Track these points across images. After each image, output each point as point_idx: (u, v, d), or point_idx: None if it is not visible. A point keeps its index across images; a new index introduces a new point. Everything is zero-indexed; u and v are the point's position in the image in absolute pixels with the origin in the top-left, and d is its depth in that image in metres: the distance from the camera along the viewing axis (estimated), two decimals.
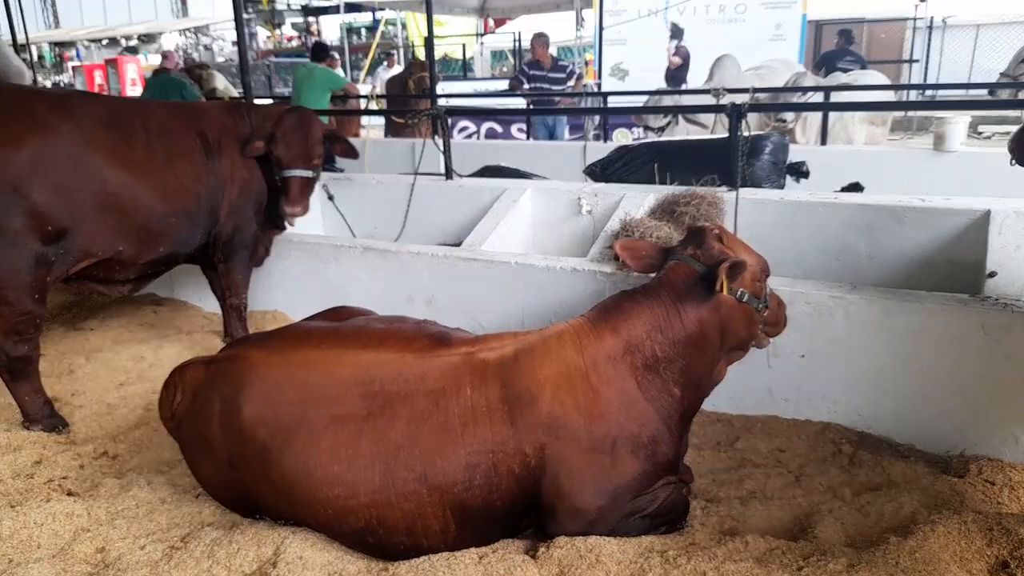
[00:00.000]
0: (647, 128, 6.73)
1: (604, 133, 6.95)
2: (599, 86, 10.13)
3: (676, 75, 11.18)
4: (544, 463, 2.28)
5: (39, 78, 19.42)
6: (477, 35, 23.22)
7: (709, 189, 3.70)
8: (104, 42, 29.61)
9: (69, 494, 2.72)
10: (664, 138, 6.40)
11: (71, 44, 30.37)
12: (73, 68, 25.82)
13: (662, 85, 11.21)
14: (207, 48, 33.87)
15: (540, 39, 8.53)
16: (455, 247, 3.97)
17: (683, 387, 2.45)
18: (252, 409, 2.36)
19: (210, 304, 4.67)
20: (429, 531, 2.27)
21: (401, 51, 29.67)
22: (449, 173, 4.71)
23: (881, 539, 2.22)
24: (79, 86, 21.52)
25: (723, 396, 3.10)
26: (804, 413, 3.14)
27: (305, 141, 3.70)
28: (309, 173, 3.73)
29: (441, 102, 7.53)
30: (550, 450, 2.28)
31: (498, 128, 10.46)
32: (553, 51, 9.19)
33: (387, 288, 4.04)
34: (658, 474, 2.39)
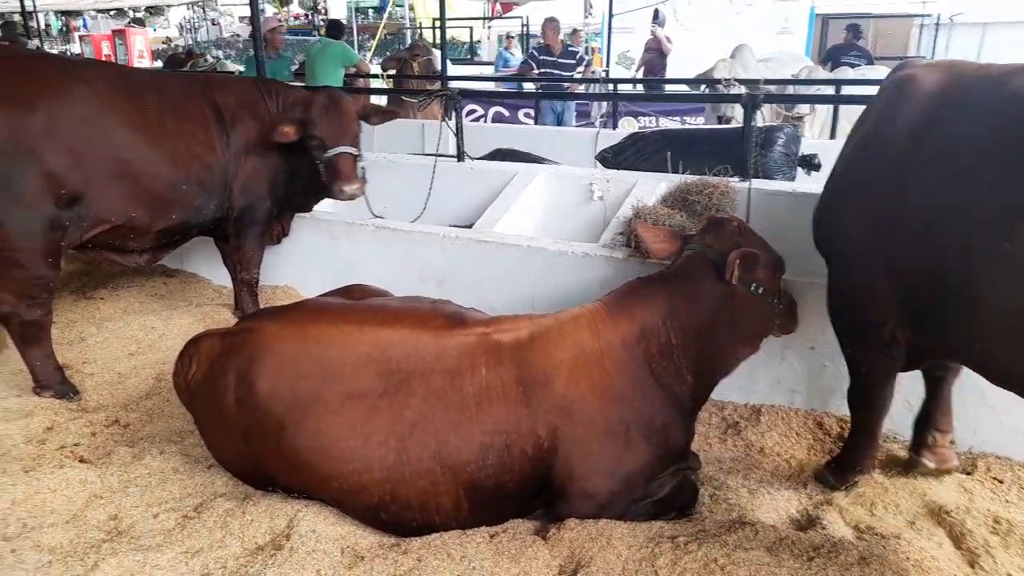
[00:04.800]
0: (721, 118, 6.50)
1: (613, 120, 6.93)
2: (607, 73, 10.08)
3: (653, 64, 11.09)
4: (557, 445, 2.30)
5: (46, 47, 19.28)
6: (485, 19, 23.05)
7: (722, 179, 3.69)
8: (112, 13, 29.37)
9: (81, 461, 2.75)
10: (675, 126, 6.38)
11: (78, 14, 30.12)
12: (80, 38, 25.61)
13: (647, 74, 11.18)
14: (214, 23, 33.61)
15: (551, 24, 8.47)
16: (467, 228, 3.97)
17: (695, 375, 2.46)
18: (267, 382, 2.37)
19: (220, 277, 4.68)
20: (441, 509, 2.30)
21: (408, 32, 29.50)
22: (461, 155, 4.70)
23: (891, 533, 2.24)
24: (87, 56, 21.38)
25: (731, 385, 3.11)
26: (812, 404, 3.16)
27: (343, 118, 3.66)
28: (353, 149, 3.70)
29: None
30: (563, 432, 2.30)
31: (505, 112, 10.42)
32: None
33: (398, 267, 4.04)
34: (669, 460, 2.42)
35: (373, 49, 22.97)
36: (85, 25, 30.57)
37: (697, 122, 8.29)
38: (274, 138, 3.56)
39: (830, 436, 3.04)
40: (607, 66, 9.98)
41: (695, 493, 2.57)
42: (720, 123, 6.25)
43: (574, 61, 8.49)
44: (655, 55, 10.75)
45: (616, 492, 2.33)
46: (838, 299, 2.57)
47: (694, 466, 2.68)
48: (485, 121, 10.30)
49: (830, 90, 6.98)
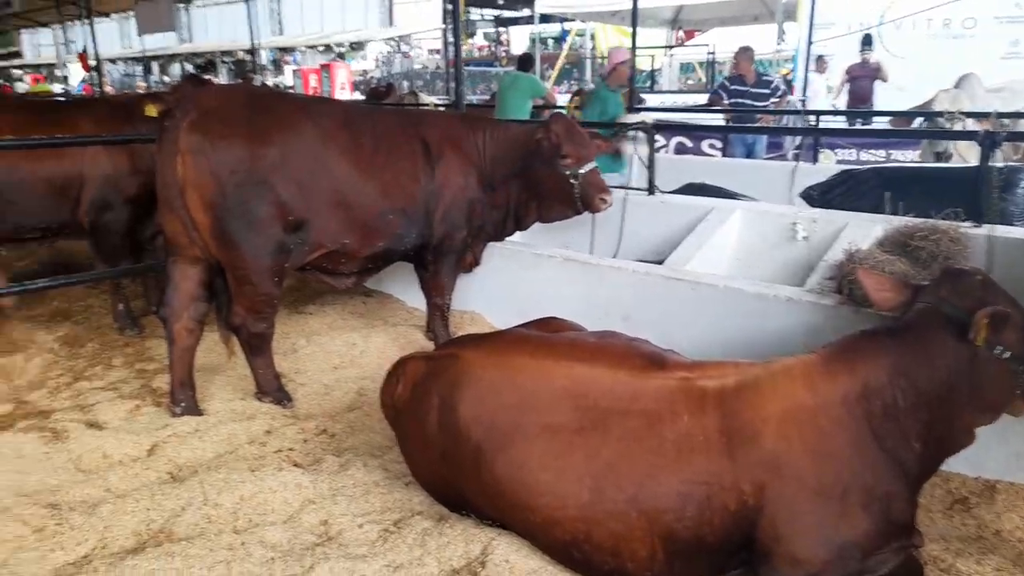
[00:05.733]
0: (940, 155, 5.92)
1: (814, 154, 6.53)
2: (803, 103, 9.55)
3: (862, 92, 10.27)
4: (763, 503, 2.16)
5: (262, 79, 21.72)
6: (667, 47, 22.83)
7: (951, 223, 3.35)
8: (320, 48, 32.50)
9: (296, 465, 2.98)
10: (894, 164, 5.89)
11: (292, 49, 33.63)
12: (292, 72, 28.58)
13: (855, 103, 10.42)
14: (405, 56, 36.16)
15: (745, 53, 8.19)
16: (657, 264, 3.90)
17: (924, 442, 2.22)
18: (468, 409, 2.45)
19: (413, 299, 4.94)
20: (635, 556, 2.23)
21: (588, 62, 29.95)
22: (652, 188, 4.64)
23: None
24: (298, 88, 23.81)
25: (959, 454, 2.77)
26: None
27: (582, 135, 3.93)
28: (595, 163, 3.94)
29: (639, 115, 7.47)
30: (771, 490, 2.16)
31: (688, 143, 10.19)
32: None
33: (585, 300, 4.05)
34: (891, 534, 2.19)
35: (553, 79, 23.57)
36: (295, 59, 34.06)
37: (907, 158, 7.63)
38: (559, 169, 3.85)
39: None
40: (803, 95, 9.48)
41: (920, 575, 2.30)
42: (939, 160, 5.70)
43: (768, 91, 8.15)
44: (866, 83, 10.05)
45: (828, 562, 2.14)
46: None
47: (917, 543, 2.41)
48: (666, 151, 10.15)
49: None
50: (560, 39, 34.52)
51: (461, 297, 4.73)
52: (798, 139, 8.22)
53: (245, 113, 3.31)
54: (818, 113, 6.82)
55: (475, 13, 36.03)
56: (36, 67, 39.27)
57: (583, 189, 3.87)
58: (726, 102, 8.28)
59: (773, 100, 8.19)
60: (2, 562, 2.36)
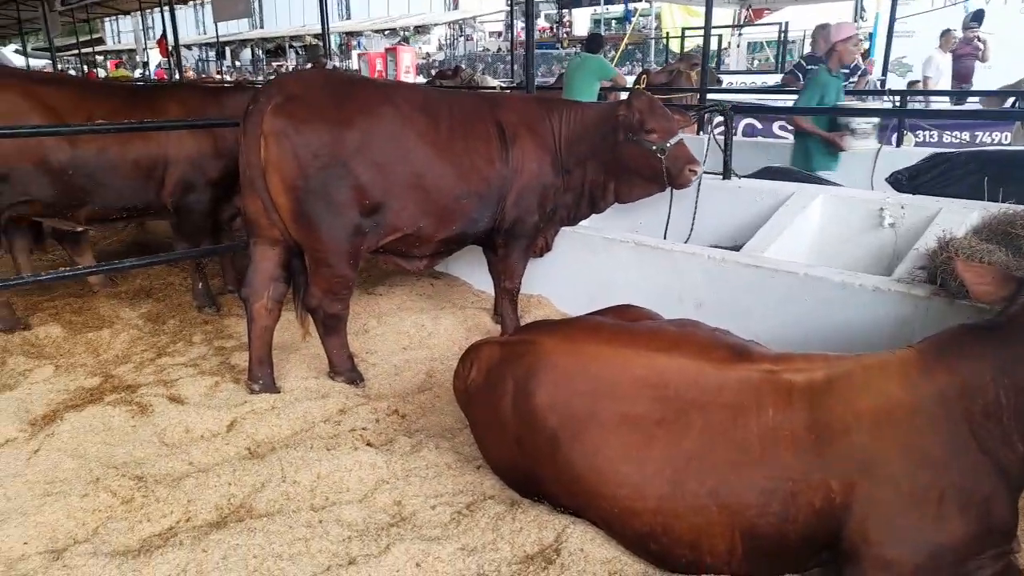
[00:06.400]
0: None
1: (898, 137, 6.21)
2: (883, 83, 9.11)
3: (966, 72, 9.70)
4: (851, 503, 2.08)
5: (331, 63, 22.05)
6: (736, 26, 22.13)
7: None
8: (385, 32, 32.84)
9: (369, 444, 3.02)
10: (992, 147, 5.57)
11: (359, 33, 34.10)
12: (357, 56, 28.95)
13: (958, 83, 9.85)
14: (468, 39, 36.22)
15: (823, 31, 7.85)
16: (733, 251, 3.78)
17: None
18: (544, 395, 2.42)
19: (480, 282, 4.94)
20: (714, 550, 2.18)
21: (652, 43, 29.33)
22: (728, 172, 4.50)
23: None
24: (363, 72, 24.09)
25: None
26: None
27: (665, 111, 3.95)
28: (680, 136, 3.95)
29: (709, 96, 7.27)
30: (861, 490, 2.07)
31: (757, 124, 9.87)
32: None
33: (656, 286, 3.97)
34: (991, 540, 2.07)
35: (616, 60, 23.17)
36: (360, 44, 34.54)
37: (995, 140, 7.21)
38: (643, 144, 3.86)
39: None
40: (883, 75, 9.04)
41: None
42: None
43: (848, 70, 7.80)
44: (969, 62, 9.52)
45: (922, 567, 2.04)
46: None
47: (1016, 549, 2.28)
48: (734, 134, 9.86)
49: None
50: (623, 20, 33.91)
51: (528, 280, 4.69)
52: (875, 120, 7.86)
53: (327, 98, 3.35)
54: (903, 93, 6.46)
55: None
56: (117, 53, 40.93)
57: (670, 163, 3.87)
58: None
59: (853, 80, 7.85)
60: (94, 531, 2.46)
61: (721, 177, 4.53)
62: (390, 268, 5.27)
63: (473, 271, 5.02)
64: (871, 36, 14.17)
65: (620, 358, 2.42)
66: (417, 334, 4.29)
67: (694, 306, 3.82)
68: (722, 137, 4.62)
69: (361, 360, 3.90)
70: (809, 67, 7.97)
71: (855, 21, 14.57)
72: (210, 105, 4.64)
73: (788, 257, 3.72)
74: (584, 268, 4.39)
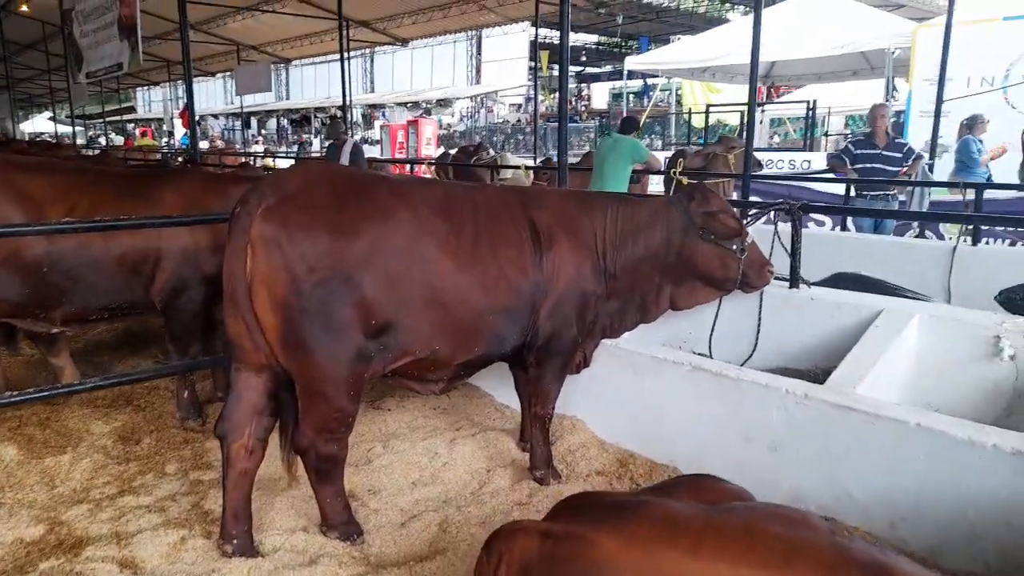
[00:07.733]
0: None
1: (974, 234, 5.56)
2: (930, 167, 8.55)
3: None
4: None
5: (353, 135, 22.11)
6: (760, 104, 22.00)
7: None
8: (408, 104, 33.25)
9: None
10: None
11: (382, 105, 34.58)
12: (380, 127, 29.22)
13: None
14: (488, 110, 36.67)
15: (881, 109, 7.35)
16: (817, 385, 3.10)
17: None
18: None
19: (503, 394, 4.31)
20: None
21: (673, 117, 29.30)
22: (795, 280, 3.88)
23: None
24: (385, 143, 24.16)
25: None
26: None
27: (727, 206, 3.61)
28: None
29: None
30: None
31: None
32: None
33: (718, 421, 3.30)
34: None
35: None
36: (383, 115, 35.03)
37: None
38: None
39: None
40: (931, 159, 8.51)
41: None
42: None
43: (900, 155, 7.26)
44: None
45: None
46: None
47: None
48: (766, 221, 9.30)
49: None
50: (642, 94, 34.11)
51: (562, 398, 4.03)
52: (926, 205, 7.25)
53: (329, 198, 2.80)
54: (978, 186, 5.86)
55: (556, 69, 36.37)
56: (147, 121, 41.96)
57: (746, 265, 3.54)
58: (851, 167, 7.43)
59: (906, 165, 7.30)
60: None
61: (788, 285, 3.90)
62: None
63: (494, 382, 4.38)
64: (903, 114, 13.79)
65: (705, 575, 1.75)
66: (430, 465, 3.63)
67: (767, 449, 3.14)
68: (787, 237, 4.00)
69: (361, 505, 3.24)
70: (858, 151, 7.45)
71: (888, 100, 14.18)
72: (211, 194, 4.14)
73: (882, 393, 3.05)
74: (628, 391, 3.72)
